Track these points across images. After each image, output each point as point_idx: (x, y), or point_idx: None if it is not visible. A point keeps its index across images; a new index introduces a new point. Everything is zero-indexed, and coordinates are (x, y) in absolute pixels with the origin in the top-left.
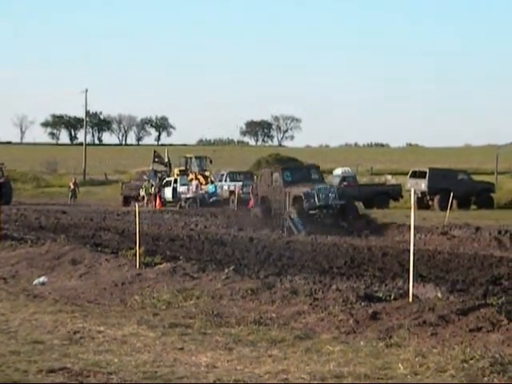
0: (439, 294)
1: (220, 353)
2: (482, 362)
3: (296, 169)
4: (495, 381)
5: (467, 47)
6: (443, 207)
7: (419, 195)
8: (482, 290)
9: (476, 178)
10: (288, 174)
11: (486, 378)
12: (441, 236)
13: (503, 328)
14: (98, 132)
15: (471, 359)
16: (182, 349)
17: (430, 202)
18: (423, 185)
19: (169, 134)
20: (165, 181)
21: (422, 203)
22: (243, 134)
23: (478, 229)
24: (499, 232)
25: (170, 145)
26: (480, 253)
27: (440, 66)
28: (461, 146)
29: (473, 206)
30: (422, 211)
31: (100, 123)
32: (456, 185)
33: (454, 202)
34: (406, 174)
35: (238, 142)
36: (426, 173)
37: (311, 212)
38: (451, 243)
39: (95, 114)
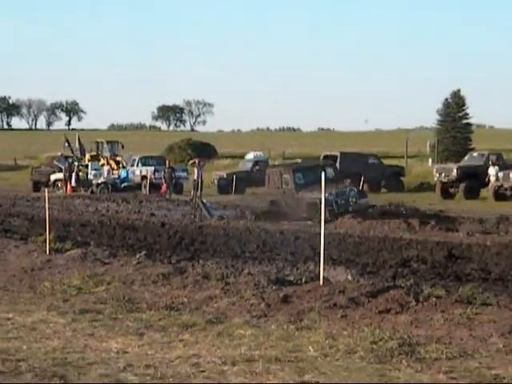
0: (349, 277)
1: (131, 338)
2: (390, 343)
3: (309, 169)
4: (403, 362)
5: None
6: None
7: None
8: (392, 272)
9: (386, 161)
10: (300, 176)
11: (394, 359)
12: (351, 219)
13: (411, 309)
14: (7, 117)
15: (380, 340)
16: (92, 335)
17: None
18: None
19: (79, 119)
20: (74, 166)
21: None
22: (155, 118)
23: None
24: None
25: (81, 130)
26: (390, 236)
27: (342, 50)
28: (371, 130)
29: (383, 190)
30: None
31: (9, 108)
32: (366, 168)
33: (365, 185)
34: (318, 157)
35: (150, 126)
36: (336, 157)
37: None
38: (362, 226)
39: (4, 99)
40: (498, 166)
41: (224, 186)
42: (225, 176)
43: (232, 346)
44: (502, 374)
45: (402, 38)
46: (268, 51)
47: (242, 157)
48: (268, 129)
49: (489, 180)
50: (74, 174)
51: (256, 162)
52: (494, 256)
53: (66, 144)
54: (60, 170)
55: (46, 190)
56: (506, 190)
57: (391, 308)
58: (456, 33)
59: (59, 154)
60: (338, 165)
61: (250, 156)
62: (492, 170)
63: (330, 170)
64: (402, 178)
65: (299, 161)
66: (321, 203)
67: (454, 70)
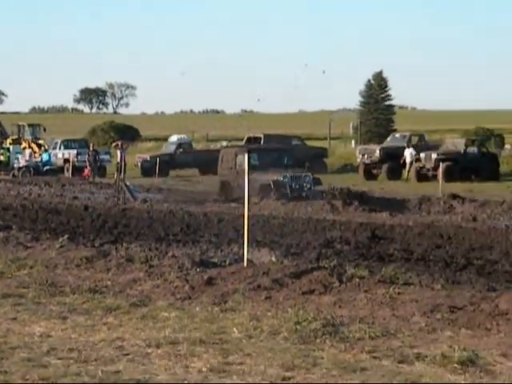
0: (273, 258)
1: (54, 322)
2: (314, 324)
3: (265, 151)
4: (327, 342)
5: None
6: None
7: None
8: (315, 253)
9: (309, 143)
10: (255, 157)
11: (318, 340)
12: (275, 201)
13: (335, 290)
14: None
15: (304, 321)
16: (15, 319)
17: None
18: None
19: (0, 102)
20: None
21: None
22: (77, 101)
23: None
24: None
25: (2, 113)
26: (313, 217)
27: (264, 33)
28: (295, 112)
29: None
30: None
31: None
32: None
33: None
34: (242, 140)
35: (72, 109)
36: (260, 138)
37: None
38: (285, 208)
39: None
40: (413, 147)
41: (147, 169)
42: (148, 159)
43: (156, 328)
44: (424, 353)
45: (326, 21)
46: (191, 33)
47: (165, 139)
48: (192, 111)
49: (404, 162)
50: None
51: (179, 145)
52: (416, 236)
53: None
54: None
55: None
56: (428, 170)
57: (315, 289)
58: (378, 16)
59: None
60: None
61: (174, 138)
62: (407, 152)
63: (285, 155)
64: (325, 160)
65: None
66: (275, 185)
67: (376, 51)
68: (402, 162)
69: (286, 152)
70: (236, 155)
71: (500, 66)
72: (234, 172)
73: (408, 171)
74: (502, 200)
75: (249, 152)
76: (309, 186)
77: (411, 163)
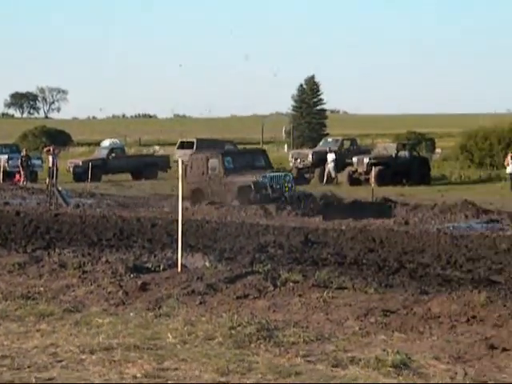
0: (207, 263)
1: None
2: (249, 329)
3: (239, 154)
4: (262, 346)
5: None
6: None
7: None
8: (249, 257)
9: (242, 147)
10: (229, 160)
11: (253, 344)
12: (209, 206)
13: (269, 294)
14: None
15: (238, 326)
16: None
17: None
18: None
19: None
20: None
21: None
22: (8, 106)
23: None
24: None
25: None
26: (247, 221)
27: (191, 38)
28: (227, 116)
29: None
30: None
31: None
32: None
33: None
34: (174, 144)
35: (3, 114)
36: (193, 143)
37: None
38: (219, 212)
39: None
40: (334, 152)
41: (79, 174)
42: (80, 164)
43: (90, 334)
44: (357, 357)
45: (259, 24)
46: (122, 38)
47: (97, 144)
48: (124, 116)
49: (325, 165)
50: None
51: (112, 150)
52: (349, 240)
53: None
54: None
55: None
56: (360, 174)
57: (249, 293)
58: (311, 19)
59: None
60: (194, 151)
61: (106, 143)
62: (329, 157)
63: (260, 157)
64: None
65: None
66: (255, 186)
67: (308, 56)
68: (324, 166)
69: (259, 153)
70: (208, 160)
71: (431, 71)
72: (206, 178)
73: (327, 175)
74: (434, 204)
75: (223, 155)
76: (290, 185)
77: (333, 167)
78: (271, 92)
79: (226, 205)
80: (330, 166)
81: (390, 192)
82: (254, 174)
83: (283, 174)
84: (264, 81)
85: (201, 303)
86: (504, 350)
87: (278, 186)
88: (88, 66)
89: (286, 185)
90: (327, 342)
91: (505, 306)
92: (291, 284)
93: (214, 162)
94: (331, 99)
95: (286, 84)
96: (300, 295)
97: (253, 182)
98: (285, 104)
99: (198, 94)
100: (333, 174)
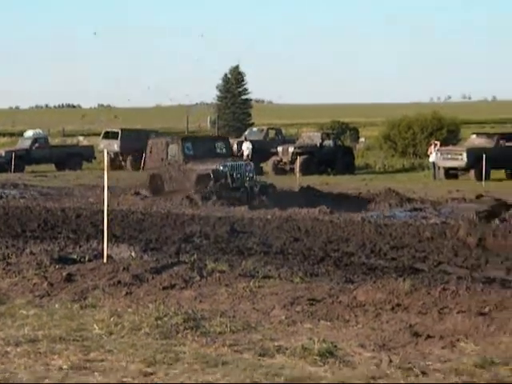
0: (133, 254)
1: None
2: (175, 319)
3: (199, 140)
4: (189, 336)
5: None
6: (137, 167)
7: (112, 156)
8: (175, 248)
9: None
10: (189, 146)
11: (179, 334)
12: (134, 196)
13: (196, 284)
14: None
15: (165, 316)
16: None
17: (123, 163)
18: (116, 145)
19: None
20: None
21: (115, 164)
22: None
23: None
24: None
25: None
26: (172, 211)
27: (121, 29)
28: (152, 106)
29: None
30: (115, 172)
31: None
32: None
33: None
34: (99, 134)
35: None
36: (118, 133)
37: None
38: (145, 203)
39: None
40: (250, 141)
41: (2, 164)
42: (3, 154)
43: (15, 326)
44: (284, 345)
45: (180, 15)
46: (47, 26)
47: (20, 134)
48: (47, 106)
49: (242, 155)
50: None
51: (35, 140)
52: (275, 230)
53: None
54: None
55: None
56: (285, 164)
57: (175, 284)
58: (237, 11)
59: None
60: (119, 141)
61: (29, 134)
62: (244, 146)
63: (221, 144)
64: None
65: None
66: (215, 175)
67: (233, 45)
68: (239, 155)
69: (221, 140)
70: (167, 145)
71: (353, 60)
72: (166, 163)
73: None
74: (358, 192)
75: (182, 141)
76: (251, 175)
77: (248, 156)
78: (196, 82)
79: (185, 193)
80: (245, 154)
81: (315, 181)
82: (215, 162)
83: (244, 163)
84: (189, 70)
85: (127, 294)
86: (428, 337)
87: (239, 176)
88: (10, 54)
89: (247, 174)
90: (254, 331)
91: (429, 293)
92: (217, 274)
93: (174, 147)
94: (256, 89)
95: (211, 74)
96: (226, 285)
97: (212, 171)
98: (210, 94)
99: (123, 84)
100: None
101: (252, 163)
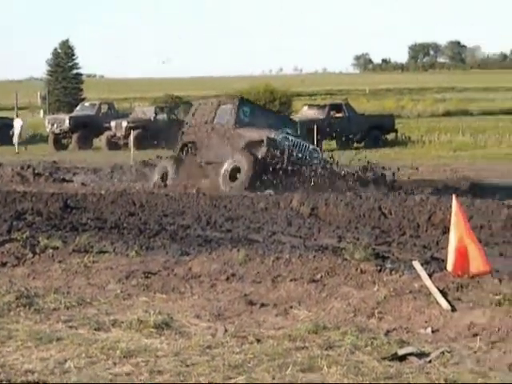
0: None
1: None
2: (7, 297)
3: (262, 110)
4: (22, 314)
5: None
6: None
7: None
8: (6, 225)
9: None
10: (247, 110)
11: (12, 312)
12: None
13: (28, 262)
14: None
15: None
16: None
17: None
18: None
19: None
20: None
21: None
22: None
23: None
24: (22, 167)
25: None
26: (3, 189)
27: None
28: None
29: None
30: None
31: None
32: None
33: None
34: None
35: None
36: None
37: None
38: None
39: None
40: (21, 118)
41: None
42: None
43: None
44: (120, 319)
45: None
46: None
47: None
48: None
49: (13, 133)
50: None
51: None
52: (110, 205)
53: None
54: None
55: None
56: (118, 139)
57: (7, 261)
58: None
59: None
60: None
61: None
62: (16, 123)
63: (290, 123)
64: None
65: None
66: (268, 144)
67: (63, 20)
68: (11, 133)
69: (288, 120)
70: (219, 105)
71: (173, 32)
72: (208, 128)
73: (17, 143)
74: None
75: (240, 102)
76: (317, 162)
77: (19, 135)
78: (25, 57)
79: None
80: (15, 132)
81: (150, 156)
82: (273, 131)
83: (312, 147)
84: (16, 45)
85: None
86: (262, 305)
87: (300, 156)
88: None
89: (310, 160)
90: (89, 306)
91: (262, 263)
92: (51, 250)
93: (228, 108)
94: (87, 64)
95: (40, 49)
96: (60, 261)
97: (267, 137)
98: (40, 68)
99: None
100: (14, 141)
101: (319, 150)
